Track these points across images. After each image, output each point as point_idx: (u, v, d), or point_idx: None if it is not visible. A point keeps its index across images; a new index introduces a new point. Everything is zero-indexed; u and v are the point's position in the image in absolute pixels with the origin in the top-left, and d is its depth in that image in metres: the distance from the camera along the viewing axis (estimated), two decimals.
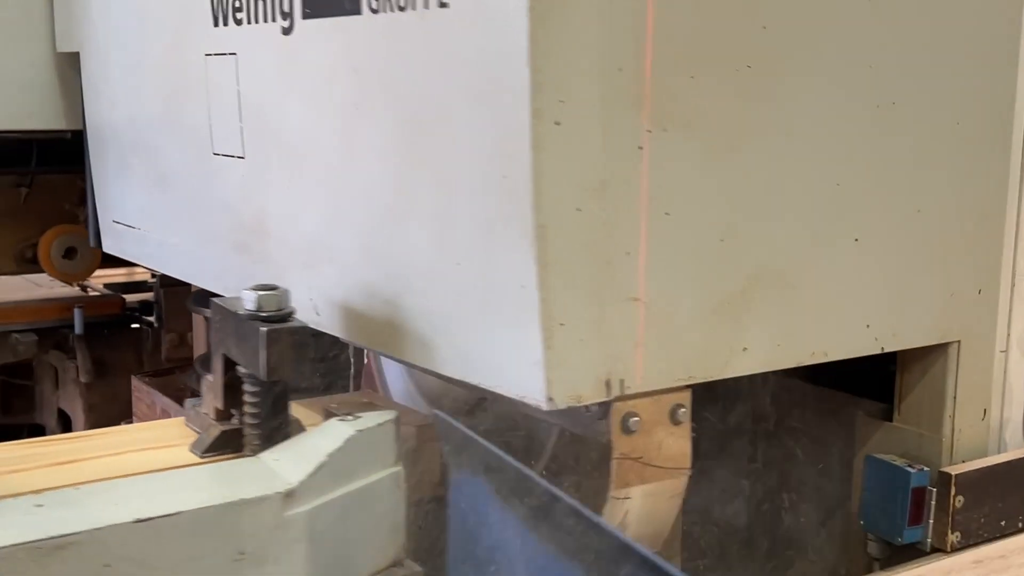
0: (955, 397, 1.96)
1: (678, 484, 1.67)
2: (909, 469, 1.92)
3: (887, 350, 1.85)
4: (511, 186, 1.46)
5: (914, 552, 1.95)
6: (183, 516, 1.32)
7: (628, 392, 1.57)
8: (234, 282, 2.28)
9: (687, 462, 1.67)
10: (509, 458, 1.52)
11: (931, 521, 1.92)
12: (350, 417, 1.61)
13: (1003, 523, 1.96)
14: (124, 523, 1.29)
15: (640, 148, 1.52)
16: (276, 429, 1.65)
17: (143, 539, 1.29)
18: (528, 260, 1.46)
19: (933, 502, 1.92)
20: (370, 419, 1.60)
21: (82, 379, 3.45)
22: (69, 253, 3.41)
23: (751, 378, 2.45)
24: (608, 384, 1.53)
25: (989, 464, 1.94)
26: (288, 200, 1.98)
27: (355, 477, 1.54)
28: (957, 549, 1.91)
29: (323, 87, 1.81)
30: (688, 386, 1.65)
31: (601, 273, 1.50)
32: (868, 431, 2.08)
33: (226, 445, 1.71)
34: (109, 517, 1.31)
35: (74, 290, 3.76)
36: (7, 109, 2.95)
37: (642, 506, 1.65)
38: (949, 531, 1.90)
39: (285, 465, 1.51)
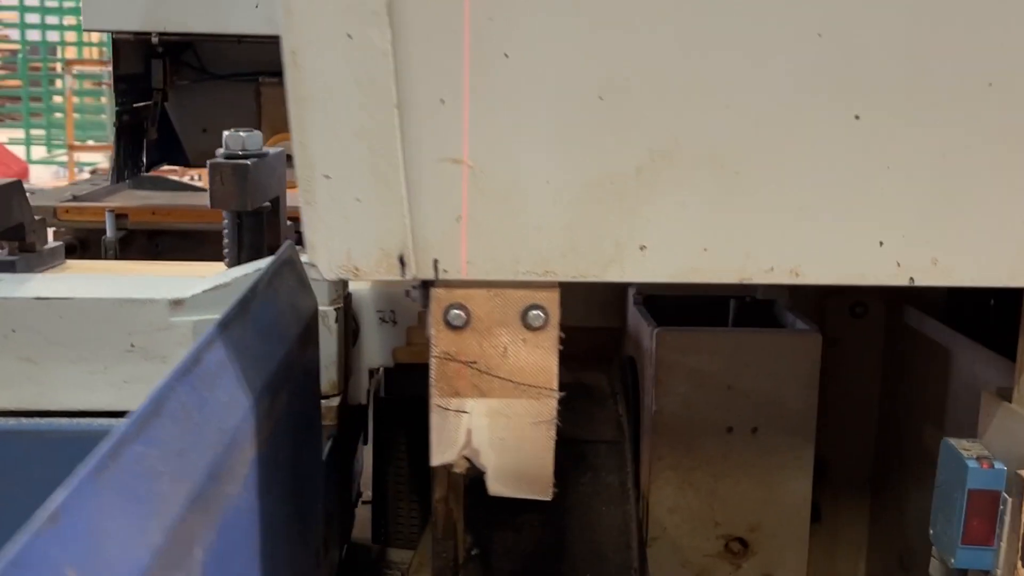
0: None
1: (542, 408, 1.31)
2: (971, 462, 1.34)
3: (920, 283, 1.29)
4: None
5: None
6: (75, 301, 1.53)
7: (448, 278, 1.27)
8: None
9: (550, 381, 1.30)
10: None
11: (1003, 544, 1.32)
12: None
13: None
14: (26, 298, 1.53)
15: None
16: (248, 255, 1.80)
17: (42, 315, 1.52)
18: (287, 93, 1.23)
19: (1007, 517, 1.32)
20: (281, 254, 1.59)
21: None
22: None
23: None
24: (403, 261, 1.25)
25: None
26: None
27: None
28: None
29: None
30: (555, 285, 1.29)
31: (388, 119, 1.21)
32: (990, 410, 1.48)
33: None
34: (17, 293, 1.56)
35: None
36: None
37: (491, 428, 1.32)
38: (1019, 562, 1.30)
39: (201, 282, 1.59)
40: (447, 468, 1.36)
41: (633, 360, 1.98)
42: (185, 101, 3.91)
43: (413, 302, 1.34)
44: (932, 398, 1.93)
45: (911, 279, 1.28)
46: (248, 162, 1.73)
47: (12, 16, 12.31)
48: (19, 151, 11.55)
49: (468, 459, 1.35)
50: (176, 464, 1.01)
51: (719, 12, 1.22)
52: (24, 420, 1.46)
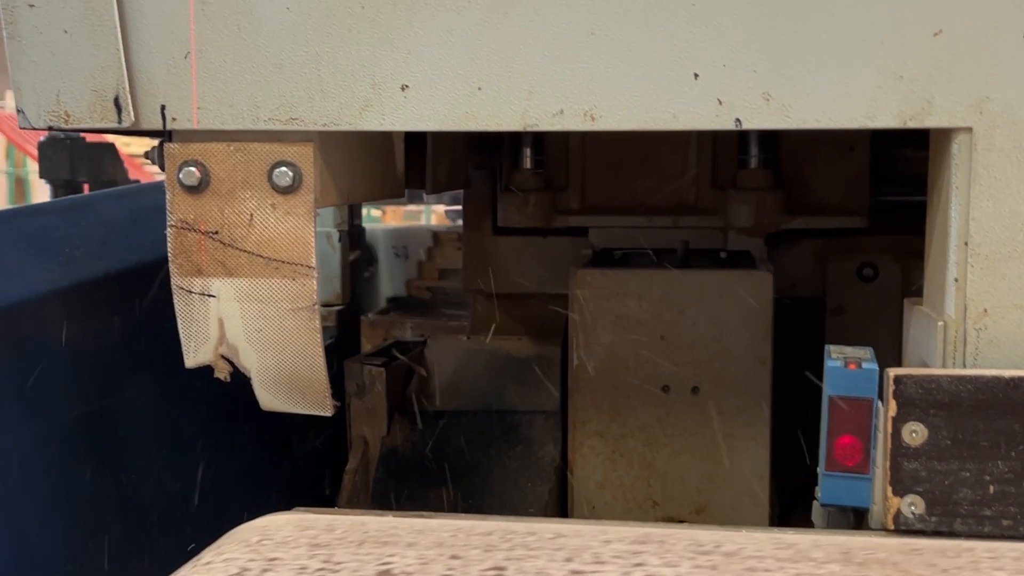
0: (967, 242, 1.01)
1: (300, 290, 1.09)
2: (834, 362, 1.03)
3: (749, 124, 1.01)
4: None
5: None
6: None
7: (179, 127, 1.08)
8: None
9: (307, 255, 1.08)
10: None
11: (877, 469, 1.01)
12: None
13: None
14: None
15: None
16: None
17: None
18: None
19: (880, 433, 1.00)
20: None
21: None
22: None
23: None
24: (119, 104, 1.06)
25: (1005, 376, 0.96)
26: None
27: None
28: (909, 531, 0.97)
29: None
30: (308, 137, 1.08)
31: None
32: (908, 315, 1.18)
33: None
34: None
35: None
36: None
37: (245, 317, 1.11)
38: (888, 489, 0.98)
39: None
40: (212, 370, 1.15)
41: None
42: None
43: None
44: None
45: (737, 121, 1.01)
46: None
47: None
48: None
49: (228, 360, 1.14)
50: None
51: None
52: None
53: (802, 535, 0.98)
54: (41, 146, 2.20)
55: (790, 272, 1.84)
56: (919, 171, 1.85)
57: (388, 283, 2.40)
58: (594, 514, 1.61)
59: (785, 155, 1.77)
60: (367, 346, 2.23)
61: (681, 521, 1.59)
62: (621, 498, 1.60)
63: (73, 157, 2.20)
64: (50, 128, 1.08)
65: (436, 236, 2.39)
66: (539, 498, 1.63)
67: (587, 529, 0.97)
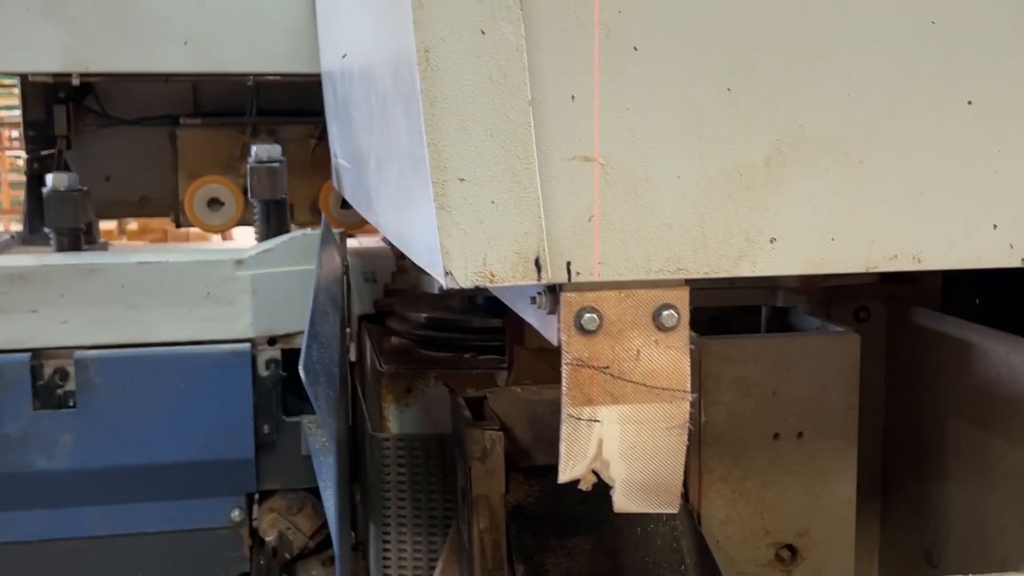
0: None
1: (675, 411, 1.28)
2: None
3: None
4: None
5: None
6: (168, 265, 2.04)
7: (581, 280, 1.22)
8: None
9: (683, 382, 1.27)
10: None
11: None
12: (310, 229, 2.39)
13: None
14: (131, 263, 2.06)
15: None
16: (274, 232, 2.33)
17: (144, 274, 2.06)
18: (415, 95, 1.17)
19: None
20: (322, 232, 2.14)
21: None
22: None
23: None
24: (539, 264, 1.20)
25: None
26: None
27: (298, 264, 2.21)
28: None
29: None
30: (683, 281, 1.26)
31: (522, 117, 1.17)
32: None
33: None
34: (124, 260, 2.13)
35: None
36: (269, 51, 3.03)
37: (623, 436, 1.28)
38: None
39: (253, 248, 2.14)
40: (575, 483, 1.31)
41: None
42: (88, 149, 3.71)
43: (538, 309, 1.29)
44: (952, 393, 1.97)
45: (1023, 260, 1.30)
46: (276, 165, 2.33)
47: None
48: None
49: (596, 473, 1.30)
50: None
51: (840, 3, 1.22)
52: (130, 350, 1.99)
53: None
54: (48, 199, 2.32)
55: None
56: None
57: (358, 304, 2.70)
58: (718, 548, 1.87)
59: None
60: (388, 397, 2.33)
61: (788, 544, 1.89)
62: (740, 531, 1.87)
63: (76, 208, 2.34)
64: (476, 287, 1.20)
65: (398, 261, 2.69)
66: (665, 537, 1.86)
67: None
